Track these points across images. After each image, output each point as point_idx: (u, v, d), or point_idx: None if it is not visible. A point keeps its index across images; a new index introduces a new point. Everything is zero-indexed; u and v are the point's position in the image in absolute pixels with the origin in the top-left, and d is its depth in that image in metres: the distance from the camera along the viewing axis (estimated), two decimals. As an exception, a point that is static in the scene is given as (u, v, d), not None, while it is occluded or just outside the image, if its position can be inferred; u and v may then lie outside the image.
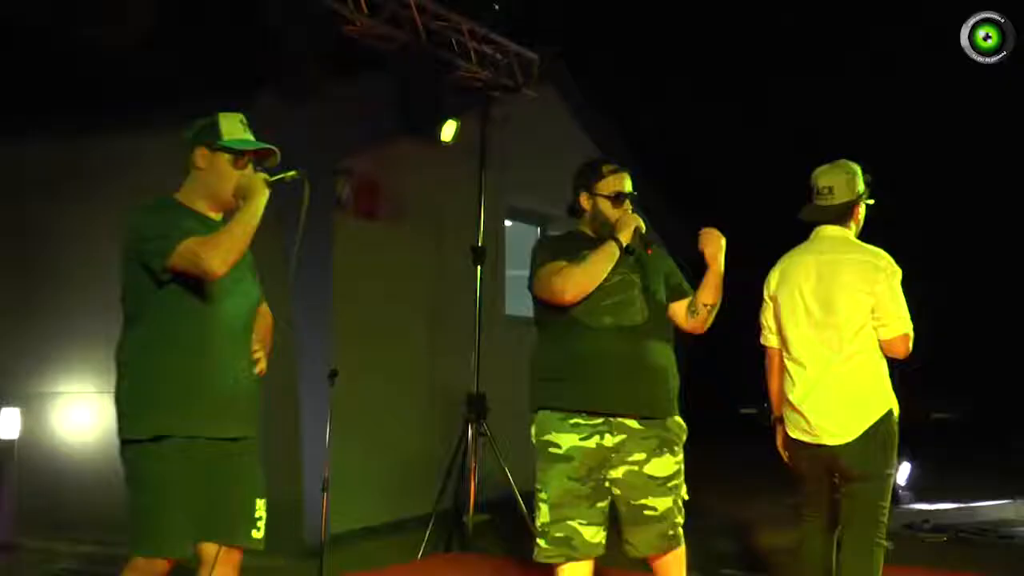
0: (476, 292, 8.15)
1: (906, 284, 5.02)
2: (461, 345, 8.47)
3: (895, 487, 11.06)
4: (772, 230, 6.30)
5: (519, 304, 11.53)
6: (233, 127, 3.94)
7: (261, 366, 4.06)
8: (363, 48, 7.49)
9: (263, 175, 3.84)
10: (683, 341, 4.92)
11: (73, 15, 5.40)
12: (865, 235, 5.17)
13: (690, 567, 7.66)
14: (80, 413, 8.84)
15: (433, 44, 7.80)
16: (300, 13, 6.50)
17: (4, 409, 8.02)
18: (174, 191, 4.00)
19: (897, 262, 4.98)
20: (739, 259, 5.14)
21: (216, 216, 3.96)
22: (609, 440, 4.59)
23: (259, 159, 3.97)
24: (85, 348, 8.82)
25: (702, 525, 8.95)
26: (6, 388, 8.67)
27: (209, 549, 3.86)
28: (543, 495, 4.65)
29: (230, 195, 3.88)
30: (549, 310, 4.71)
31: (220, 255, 3.64)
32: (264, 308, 4.22)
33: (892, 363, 5.03)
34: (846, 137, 18.49)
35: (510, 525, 7.84)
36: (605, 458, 4.61)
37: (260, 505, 3.95)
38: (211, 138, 3.92)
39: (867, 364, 4.91)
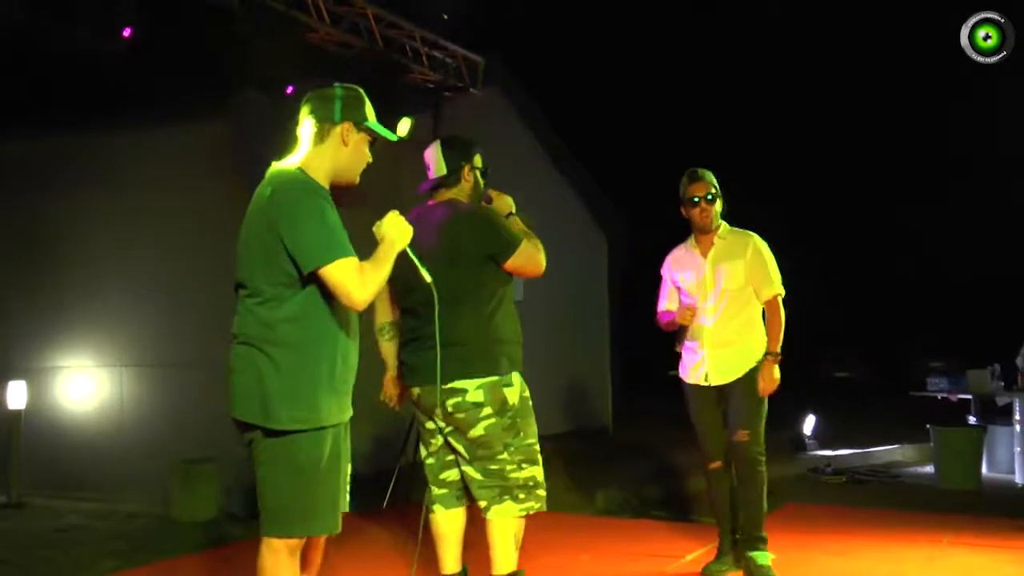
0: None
1: (809, 259, 5.22)
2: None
3: (801, 436, 11.26)
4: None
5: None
6: (371, 109, 3.51)
7: None
8: (326, 53, 7.44)
9: (402, 219, 3.47)
10: (618, 310, 4.92)
11: (57, 19, 5.24)
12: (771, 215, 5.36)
13: (624, 509, 7.73)
14: (80, 385, 8.72)
15: (388, 50, 7.74)
16: (267, 22, 6.42)
17: (11, 382, 7.93)
18: (298, 163, 3.45)
19: (799, 238, 5.28)
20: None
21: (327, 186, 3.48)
22: None
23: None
24: (84, 326, 8.70)
25: (637, 473, 9.04)
26: (13, 363, 8.57)
27: None
28: (538, 447, 4.35)
29: (357, 176, 3.50)
30: (507, 283, 4.37)
31: (369, 291, 3.30)
32: None
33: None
34: (769, 137, 18.68)
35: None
36: None
37: (348, 471, 3.58)
38: (359, 117, 3.46)
39: None
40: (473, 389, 4.20)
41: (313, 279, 3.29)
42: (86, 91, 8.77)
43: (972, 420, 10.19)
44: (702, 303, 5.25)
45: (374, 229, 3.49)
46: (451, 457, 4.41)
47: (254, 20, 6.36)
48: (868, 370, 20.48)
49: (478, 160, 4.50)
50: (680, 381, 5.45)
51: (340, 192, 3.55)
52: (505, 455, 4.28)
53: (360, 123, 3.47)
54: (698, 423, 5.34)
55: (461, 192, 4.46)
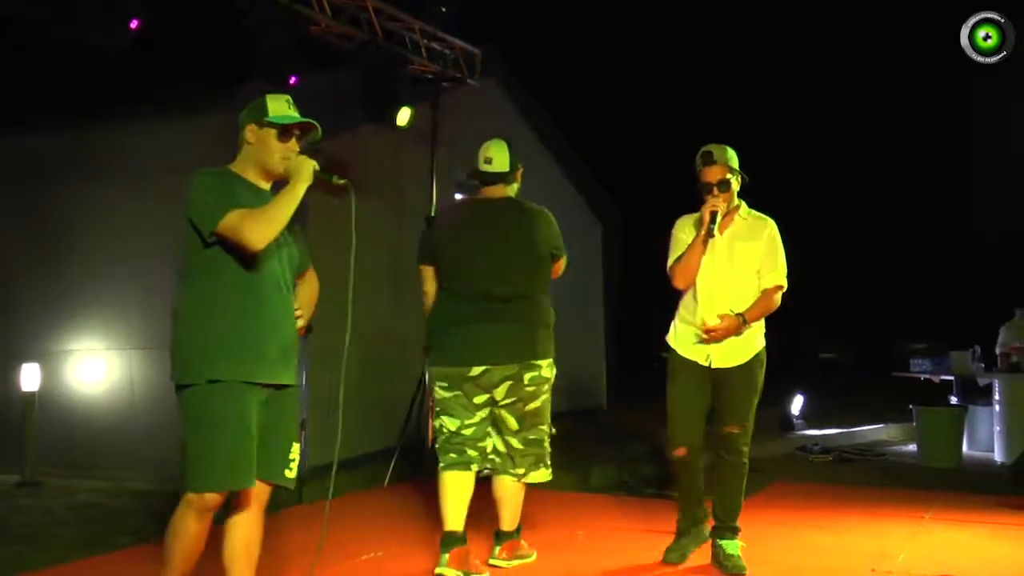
0: (431, 256, 8.09)
1: (798, 244, 5.08)
2: (419, 302, 8.39)
3: (789, 416, 11.25)
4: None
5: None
6: (279, 106, 3.74)
7: (299, 323, 3.85)
8: (328, 45, 7.40)
9: (314, 163, 3.66)
10: (614, 296, 4.97)
11: (74, 16, 5.21)
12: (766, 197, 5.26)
13: (618, 487, 7.73)
14: (91, 367, 8.72)
15: (389, 42, 7.70)
16: (272, 15, 6.39)
17: (25, 365, 7.93)
18: (230, 163, 3.82)
19: (792, 223, 5.08)
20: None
21: (265, 185, 3.78)
22: None
23: (303, 133, 3.76)
24: (94, 311, 8.71)
25: (630, 452, 9.04)
26: (27, 347, 8.56)
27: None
28: None
29: (277, 167, 3.71)
30: None
31: (260, 230, 3.50)
32: (311, 275, 4.06)
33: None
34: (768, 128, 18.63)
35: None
36: None
37: (295, 449, 3.76)
38: (259, 116, 3.73)
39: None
40: (545, 367, 4.79)
41: (217, 248, 3.57)
42: (97, 84, 8.77)
43: (954, 400, 10.19)
44: (710, 280, 4.85)
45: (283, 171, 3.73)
46: (490, 427, 4.84)
47: (258, 13, 6.33)
48: (854, 352, 20.50)
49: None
50: (669, 353, 4.98)
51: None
52: (544, 427, 4.87)
53: (260, 120, 3.72)
54: (678, 402, 4.89)
55: (511, 190, 4.95)
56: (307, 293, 4.02)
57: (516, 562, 4.98)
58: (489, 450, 4.86)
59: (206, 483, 3.48)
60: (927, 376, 10.66)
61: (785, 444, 10.19)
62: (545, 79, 13.25)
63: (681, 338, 4.95)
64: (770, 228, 4.92)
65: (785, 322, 5.36)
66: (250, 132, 3.75)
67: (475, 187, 5.06)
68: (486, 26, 9.64)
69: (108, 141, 8.50)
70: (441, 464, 4.80)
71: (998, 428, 9.36)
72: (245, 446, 3.52)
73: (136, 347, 8.38)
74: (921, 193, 19.57)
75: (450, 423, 4.79)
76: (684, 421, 4.88)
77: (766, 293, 4.83)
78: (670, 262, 4.93)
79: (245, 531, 3.70)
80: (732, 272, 4.84)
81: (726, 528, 4.92)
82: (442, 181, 8.58)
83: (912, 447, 9.87)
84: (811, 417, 11.44)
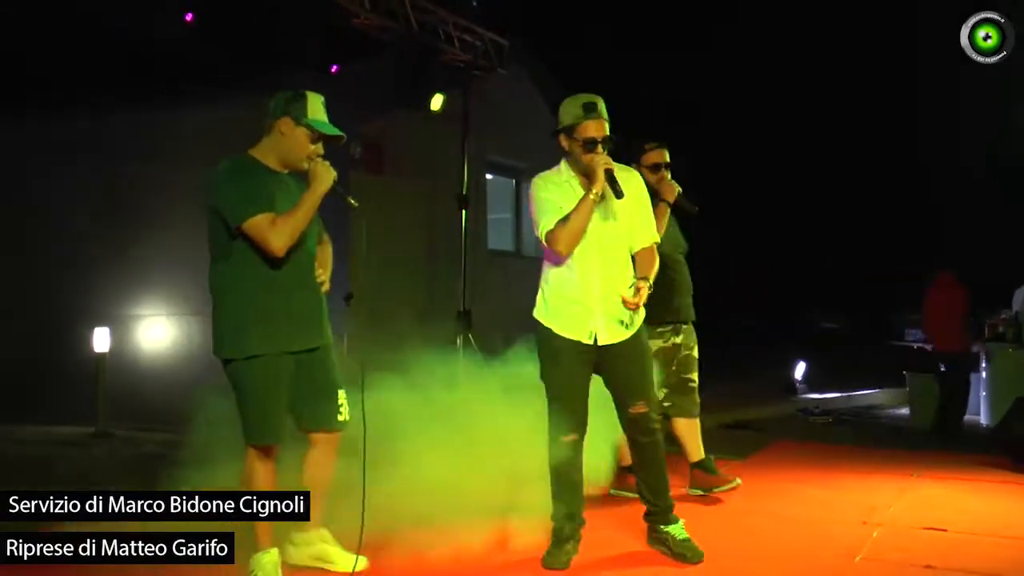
0: (462, 230, 8.10)
1: (808, 222, 4.97)
2: (451, 272, 8.42)
3: (792, 380, 11.17)
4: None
5: (498, 240, 11.44)
6: (316, 107, 3.67)
7: (325, 287, 3.87)
8: (367, 36, 7.39)
9: (335, 173, 3.65)
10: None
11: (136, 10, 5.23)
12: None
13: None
14: (157, 331, 8.82)
15: (423, 33, 7.68)
16: (314, 8, 6.38)
17: (97, 328, 8.00)
18: (251, 147, 3.73)
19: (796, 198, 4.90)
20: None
21: (282, 170, 3.73)
22: None
23: (328, 139, 3.72)
24: (162, 280, 8.80)
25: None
26: (99, 311, 8.66)
27: (314, 435, 3.90)
28: None
29: (302, 164, 3.66)
30: None
31: (284, 238, 3.53)
32: (325, 238, 4.03)
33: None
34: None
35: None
36: None
37: (341, 395, 3.87)
38: (297, 112, 3.63)
39: None
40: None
41: (235, 239, 3.57)
42: (162, 71, 8.84)
43: (944, 368, 10.10)
44: (587, 247, 3.98)
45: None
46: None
47: (303, 6, 6.33)
48: (853, 321, 20.37)
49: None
50: (539, 331, 4.10)
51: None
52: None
53: (298, 118, 3.64)
54: (565, 387, 4.04)
55: None
56: (325, 254, 4.01)
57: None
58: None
59: (259, 438, 3.69)
60: (920, 345, 10.57)
61: (788, 406, 10.15)
62: (568, 67, 13.13)
63: (556, 314, 4.06)
64: (636, 180, 4.10)
65: (789, 293, 5.33)
66: (285, 125, 3.65)
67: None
68: (513, 18, 9.57)
69: (173, 123, 8.55)
70: None
71: (983, 393, 9.27)
72: (276, 411, 3.69)
73: (194, 313, 8.46)
74: (918, 179, 19.31)
75: None
76: (575, 405, 4.06)
77: (648, 252, 4.07)
78: (547, 225, 3.96)
79: (312, 468, 3.89)
80: (607, 235, 4.00)
81: (662, 511, 4.18)
82: (473, 162, 8.57)
83: (904, 410, 9.80)
84: (812, 382, 11.39)
